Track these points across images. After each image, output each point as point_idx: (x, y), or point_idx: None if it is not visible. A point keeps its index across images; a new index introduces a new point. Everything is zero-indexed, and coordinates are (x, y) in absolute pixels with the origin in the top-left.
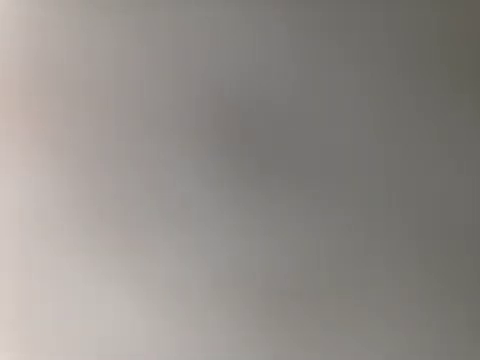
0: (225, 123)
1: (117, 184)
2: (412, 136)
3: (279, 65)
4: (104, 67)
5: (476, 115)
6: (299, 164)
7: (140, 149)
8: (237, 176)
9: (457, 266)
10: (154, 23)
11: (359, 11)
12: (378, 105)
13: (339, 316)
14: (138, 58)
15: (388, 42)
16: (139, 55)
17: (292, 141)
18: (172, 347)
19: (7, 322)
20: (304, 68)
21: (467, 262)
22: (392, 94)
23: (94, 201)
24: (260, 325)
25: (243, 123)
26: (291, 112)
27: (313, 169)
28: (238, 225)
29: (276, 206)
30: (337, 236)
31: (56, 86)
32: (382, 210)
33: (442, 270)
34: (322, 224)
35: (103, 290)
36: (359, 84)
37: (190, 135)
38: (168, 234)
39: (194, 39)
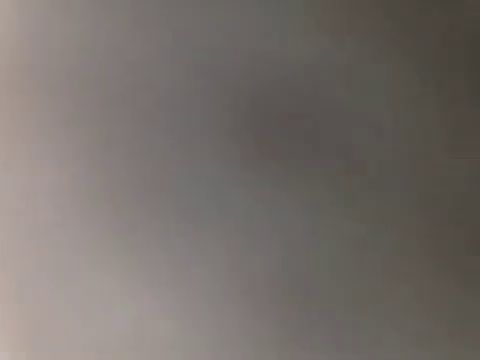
0: (238, 117)
1: (126, 181)
2: (435, 133)
3: (294, 52)
4: (109, 56)
5: None
6: (319, 161)
7: (150, 145)
8: (253, 171)
9: (476, 266)
10: (163, 11)
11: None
12: (403, 102)
13: (355, 317)
14: (147, 48)
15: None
16: (148, 45)
17: (313, 137)
18: (182, 347)
19: (13, 321)
20: (323, 58)
21: None
22: (414, 89)
23: (102, 197)
24: (271, 325)
25: (256, 115)
26: (310, 104)
27: (335, 164)
28: (253, 222)
29: (294, 204)
30: (357, 237)
31: (60, 82)
32: (402, 209)
33: (461, 272)
34: (340, 224)
35: (112, 289)
36: (385, 75)
37: (208, 132)
38: (181, 231)
39: (205, 27)
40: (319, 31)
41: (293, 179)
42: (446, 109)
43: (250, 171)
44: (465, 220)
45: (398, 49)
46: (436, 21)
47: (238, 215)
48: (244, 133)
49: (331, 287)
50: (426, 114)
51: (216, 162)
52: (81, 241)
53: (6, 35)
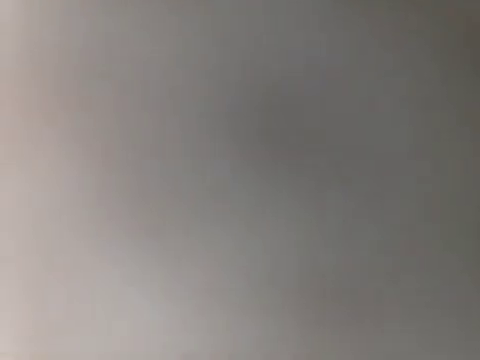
0: (258, 110)
1: (145, 181)
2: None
3: (296, 52)
4: (124, 51)
5: None
6: (324, 160)
7: (170, 140)
8: (273, 167)
9: None
10: (164, 12)
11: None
12: (405, 101)
13: (392, 318)
14: (150, 49)
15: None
16: (151, 46)
17: (317, 137)
18: (207, 347)
19: (25, 325)
20: (324, 58)
21: None
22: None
23: (120, 197)
24: (297, 324)
25: (259, 116)
26: (330, 102)
27: (340, 164)
28: (276, 220)
29: (319, 200)
30: (387, 235)
31: (77, 77)
32: (403, 208)
33: (467, 269)
34: (369, 221)
35: (131, 290)
36: (403, 70)
37: (222, 127)
38: (200, 231)
39: (224, 20)
40: (320, 31)
41: (296, 177)
42: (450, 108)
43: (254, 171)
44: (468, 219)
45: (399, 48)
46: (437, 20)
47: (243, 213)
48: (248, 134)
49: (331, 286)
50: (429, 113)
51: (220, 162)
52: (101, 243)
53: (10, 34)
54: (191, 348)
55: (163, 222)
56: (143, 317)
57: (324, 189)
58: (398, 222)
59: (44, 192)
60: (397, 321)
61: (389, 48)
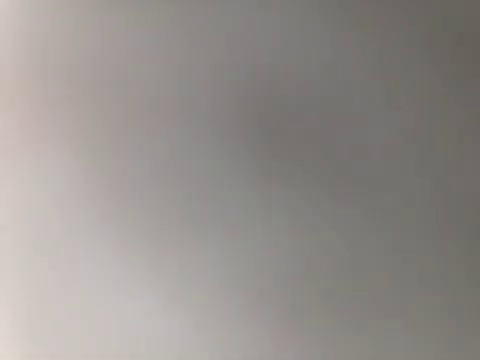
0: (244, 120)
1: (140, 185)
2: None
3: (299, 53)
4: (115, 53)
5: None
6: (341, 160)
7: (159, 149)
8: (270, 172)
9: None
10: (167, 13)
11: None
12: (407, 101)
13: (353, 318)
14: (152, 48)
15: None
16: (153, 45)
17: (319, 138)
18: (184, 345)
19: (37, 327)
20: (326, 58)
21: None
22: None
23: (110, 196)
24: (298, 325)
25: (262, 117)
26: (330, 102)
27: (358, 164)
28: (273, 225)
29: (316, 204)
30: (382, 236)
31: (73, 77)
32: (405, 208)
33: (463, 268)
34: (342, 223)
35: (131, 291)
36: (395, 70)
37: (223, 132)
38: (197, 235)
39: (210, 28)
40: (321, 30)
41: (299, 179)
42: (451, 108)
43: (252, 172)
44: (471, 220)
45: (401, 48)
46: (438, 20)
47: (238, 216)
48: (250, 135)
49: (332, 287)
50: (430, 113)
51: (219, 163)
52: (87, 240)
53: (11, 39)
54: (190, 349)
55: (161, 224)
56: (143, 317)
57: (322, 191)
58: (398, 222)
59: (46, 193)
60: (398, 324)
61: (390, 47)
